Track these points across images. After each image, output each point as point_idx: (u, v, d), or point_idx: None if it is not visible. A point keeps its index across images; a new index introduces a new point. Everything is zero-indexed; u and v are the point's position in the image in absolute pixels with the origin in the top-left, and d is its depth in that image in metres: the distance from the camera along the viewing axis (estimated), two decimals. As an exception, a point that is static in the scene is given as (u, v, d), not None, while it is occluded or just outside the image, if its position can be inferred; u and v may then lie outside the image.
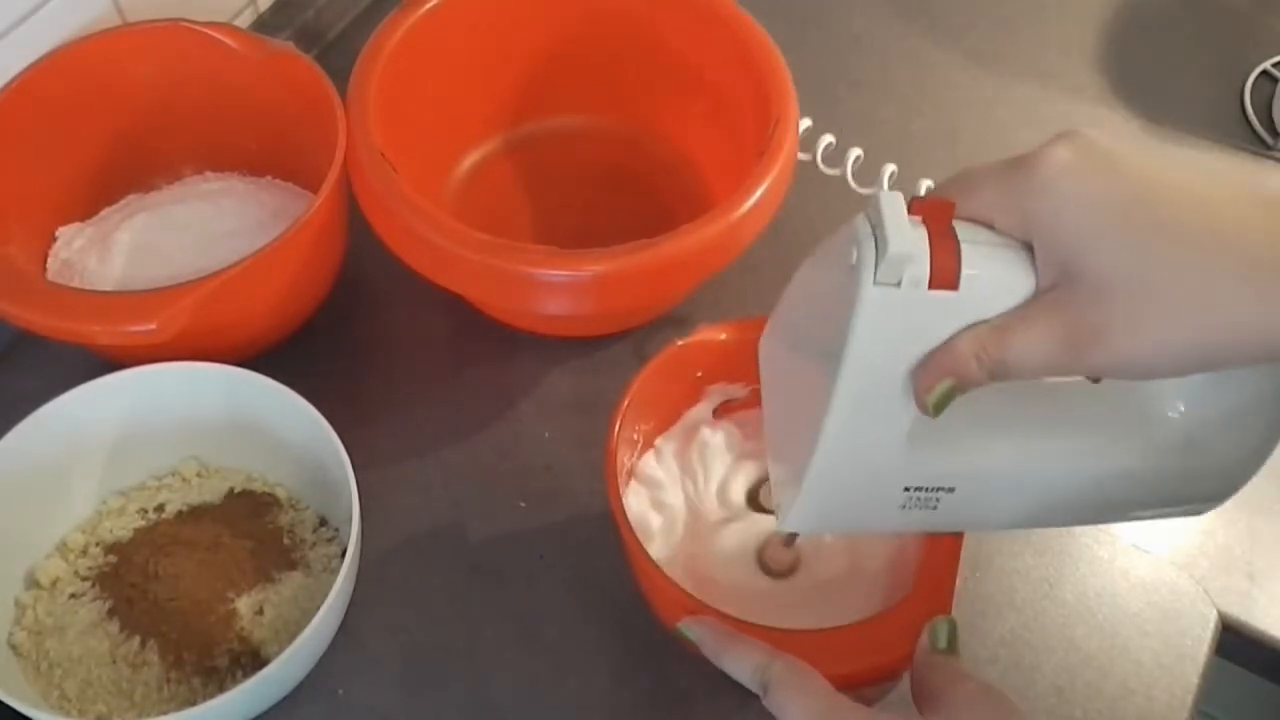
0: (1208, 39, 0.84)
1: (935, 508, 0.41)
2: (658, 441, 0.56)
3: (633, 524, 0.48)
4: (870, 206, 0.35)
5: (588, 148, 0.73)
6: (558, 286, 0.54)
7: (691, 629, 0.45)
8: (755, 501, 0.53)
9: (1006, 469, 0.41)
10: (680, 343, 0.53)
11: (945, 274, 0.35)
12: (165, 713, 0.45)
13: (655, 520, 0.54)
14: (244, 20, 0.75)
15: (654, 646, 0.54)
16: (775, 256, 0.66)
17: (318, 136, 0.59)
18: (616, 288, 0.55)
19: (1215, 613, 0.57)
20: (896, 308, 0.35)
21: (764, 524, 0.53)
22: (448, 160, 0.71)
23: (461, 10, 0.66)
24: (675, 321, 0.65)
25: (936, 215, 0.35)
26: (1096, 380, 0.41)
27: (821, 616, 0.48)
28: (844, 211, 0.71)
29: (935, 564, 0.47)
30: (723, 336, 0.54)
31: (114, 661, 0.51)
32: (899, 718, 0.40)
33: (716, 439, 0.56)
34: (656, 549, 0.52)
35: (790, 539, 0.51)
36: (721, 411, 0.57)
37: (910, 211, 0.35)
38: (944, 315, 0.36)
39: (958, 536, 0.47)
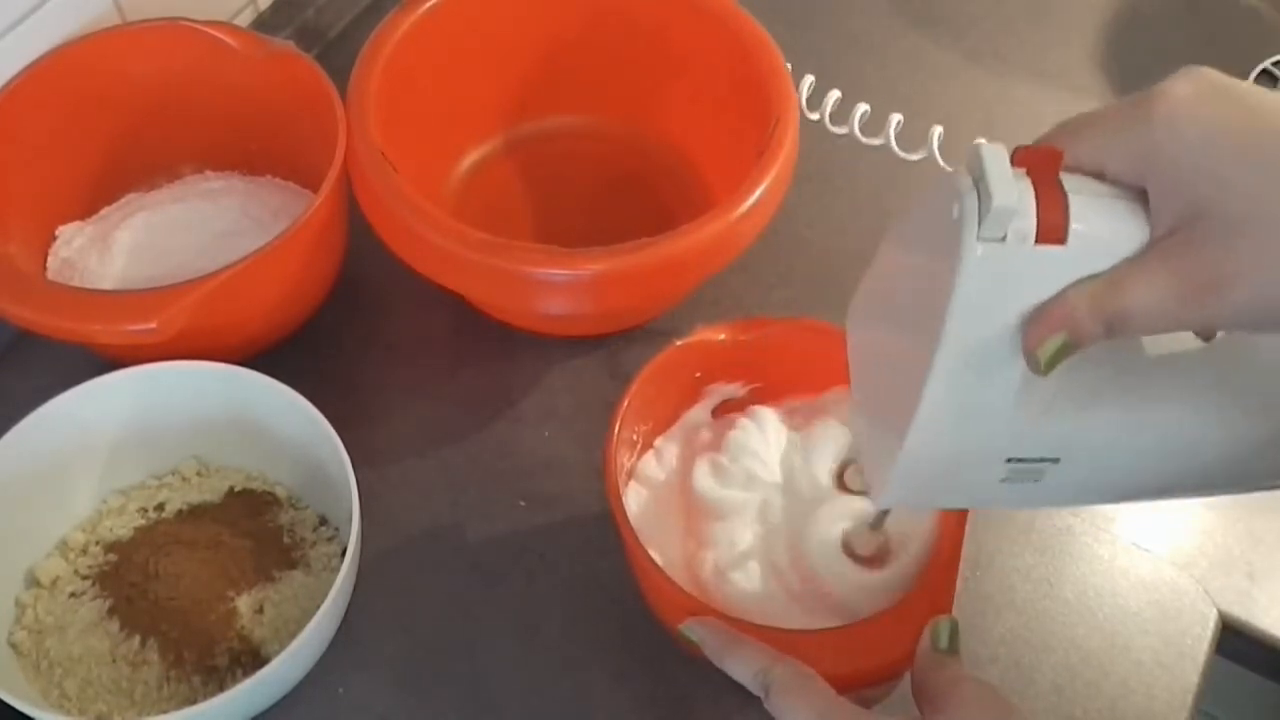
0: (1208, 38, 0.84)
1: (1039, 480, 0.39)
2: (657, 442, 0.56)
3: (633, 524, 0.48)
4: (971, 158, 0.34)
5: (588, 147, 0.73)
6: (558, 286, 0.54)
7: (694, 630, 0.44)
8: (842, 483, 0.52)
9: (1117, 438, 0.38)
10: (679, 343, 0.53)
11: (1052, 228, 0.33)
12: (165, 711, 0.45)
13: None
14: (244, 19, 0.75)
15: (654, 647, 0.54)
16: (775, 256, 0.67)
17: (318, 136, 0.59)
18: (616, 288, 0.55)
19: (1215, 612, 0.57)
20: (1002, 264, 0.33)
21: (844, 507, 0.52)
22: (448, 160, 0.71)
23: (461, 10, 0.66)
24: (675, 321, 0.65)
25: (1042, 165, 0.34)
26: (1209, 338, 0.38)
27: (819, 618, 0.48)
28: (842, 209, 0.71)
29: (936, 563, 0.47)
30: (721, 337, 0.54)
31: (114, 660, 0.51)
32: (899, 720, 0.40)
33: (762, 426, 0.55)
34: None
35: (879, 521, 0.49)
36: (720, 411, 0.57)
37: (1014, 162, 0.33)
38: (1052, 270, 0.34)
39: (958, 533, 0.47)
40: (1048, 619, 0.56)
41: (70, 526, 0.56)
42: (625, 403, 0.51)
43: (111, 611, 0.52)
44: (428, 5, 0.64)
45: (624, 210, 0.71)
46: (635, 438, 0.54)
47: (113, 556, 0.54)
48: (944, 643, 0.43)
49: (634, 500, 0.54)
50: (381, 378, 0.64)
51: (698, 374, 0.55)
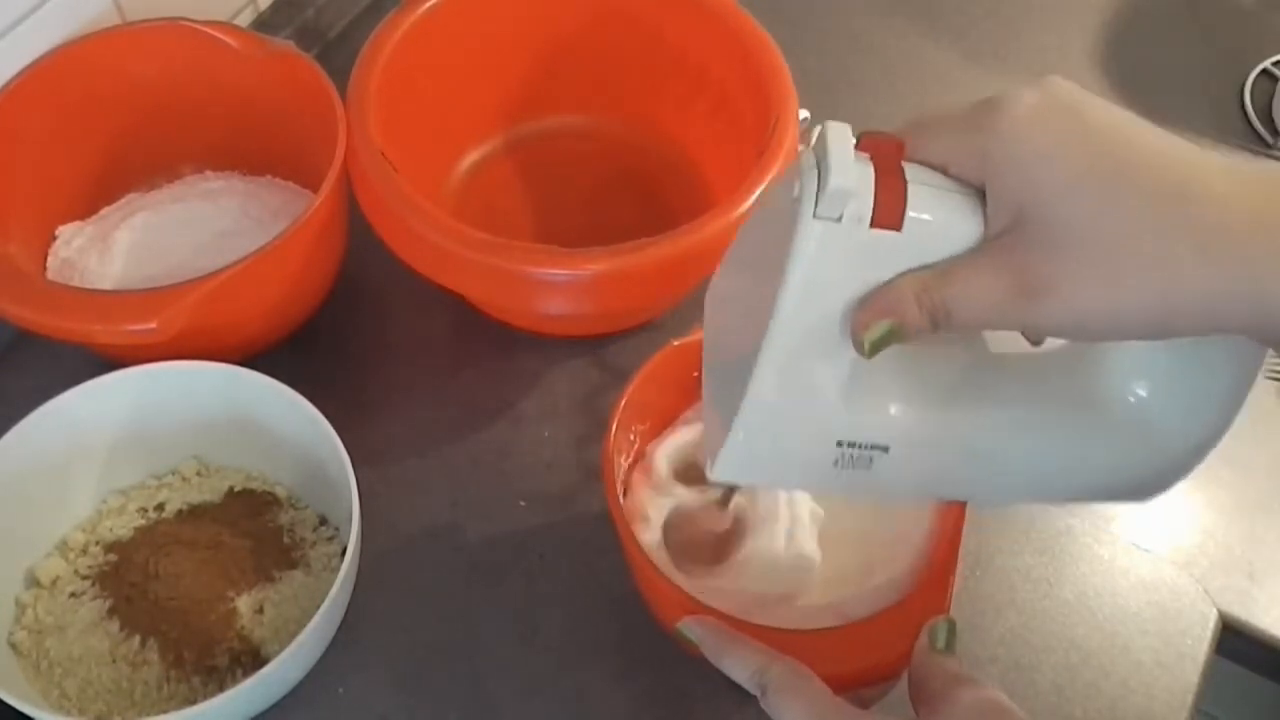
0: (1208, 38, 0.84)
1: (869, 468, 0.39)
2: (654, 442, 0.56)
3: (632, 523, 0.48)
4: (817, 138, 0.34)
5: (588, 147, 0.73)
6: (558, 286, 0.55)
7: (692, 629, 0.44)
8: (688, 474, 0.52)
9: (944, 434, 0.39)
10: (676, 343, 0.53)
11: (889, 213, 0.34)
12: (165, 712, 0.45)
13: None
14: (244, 19, 0.75)
15: (654, 646, 0.54)
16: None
17: (318, 136, 0.59)
18: (616, 287, 0.55)
19: (1215, 612, 0.57)
20: (837, 243, 0.34)
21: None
22: (448, 160, 0.71)
23: (461, 10, 0.66)
24: (675, 321, 0.65)
25: (885, 152, 0.34)
26: (1037, 342, 0.39)
27: (818, 618, 0.48)
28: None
29: (934, 564, 0.47)
30: None
31: (114, 660, 0.51)
32: (896, 720, 0.40)
33: None
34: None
35: (725, 499, 0.49)
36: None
37: (859, 147, 0.34)
38: (886, 256, 0.34)
39: (956, 533, 0.47)
40: (1048, 619, 0.56)
41: (70, 526, 0.56)
42: (622, 403, 0.51)
43: (111, 611, 0.52)
44: (428, 5, 0.64)
45: (624, 210, 0.71)
46: (633, 438, 0.54)
47: (113, 556, 0.54)
48: (941, 643, 0.43)
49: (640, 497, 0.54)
50: (381, 378, 0.64)
51: (696, 374, 0.55)
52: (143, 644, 0.51)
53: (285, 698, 0.52)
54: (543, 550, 0.58)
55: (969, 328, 0.35)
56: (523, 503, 0.59)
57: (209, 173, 0.69)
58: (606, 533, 0.50)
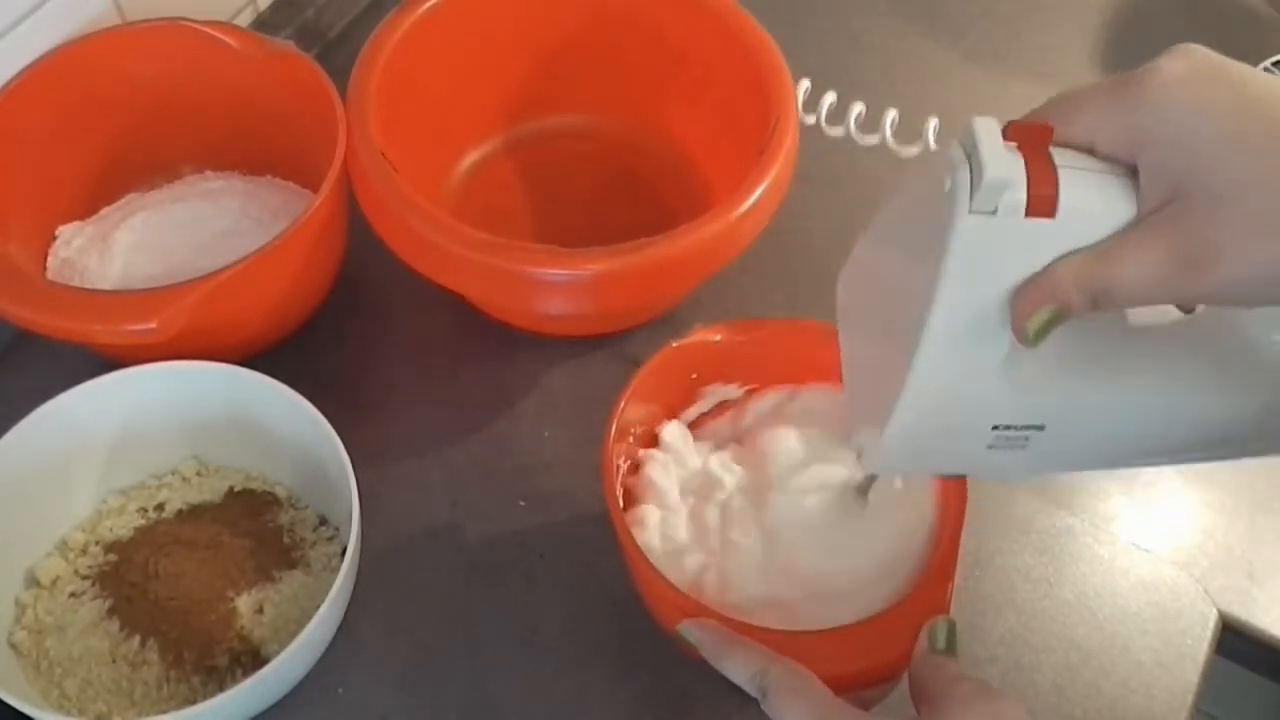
0: (1208, 38, 0.83)
1: (1024, 447, 0.40)
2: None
3: (631, 524, 0.48)
4: (964, 132, 0.34)
5: (588, 147, 0.73)
6: (558, 286, 0.55)
7: (691, 631, 0.44)
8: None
9: (1098, 405, 0.39)
10: (675, 344, 0.53)
11: (1043, 201, 0.34)
12: (165, 711, 0.45)
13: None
14: (244, 19, 0.75)
15: (654, 646, 0.54)
16: (775, 256, 0.66)
17: (318, 136, 0.59)
18: (616, 287, 0.55)
19: (1215, 612, 0.57)
20: (992, 236, 0.34)
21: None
22: (448, 160, 0.71)
23: (461, 10, 0.66)
24: (675, 321, 0.65)
25: (1032, 140, 0.34)
26: (1189, 311, 0.39)
27: (820, 618, 0.48)
28: (842, 209, 0.71)
29: (934, 564, 0.47)
30: (718, 338, 0.54)
31: (114, 660, 0.51)
32: (896, 720, 0.40)
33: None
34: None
35: (865, 487, 0.50)
36: (717, 412, 0.57)
37: (1005, 137, 0.34)
38: (1041, 244, 0.35)
39: (955, 533, 0.47)
40: (1048, 619, 0.56)
41: (70, 526, 0.56)
42: (621, 404, 0.51)
43: (111, 611, 0.52)
44: (428, 5, 0.64)
45: (624, 210, 0.71)
46: (632, 439, 0.54)
47: (113, 556, 0.54)
48: (941, 643, 0.43)
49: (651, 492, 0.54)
50: (381, 378, 0.64)
51: (694, 375, 0.55)
52: (143, 644, 0.51)
53: (285, 698, 0.52)
54: (543, 550, 0.58)
55: (1130, 305, 0.35)
56: (523, 503, 0.59)
57: (209, 173, 0.69)
58: (606, 533, 0.50)
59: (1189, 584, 0.57)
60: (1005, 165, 0.33)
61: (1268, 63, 0.80)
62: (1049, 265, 0.35)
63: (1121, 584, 0.58)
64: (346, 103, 0.59)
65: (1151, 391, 0.39)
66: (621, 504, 0.51)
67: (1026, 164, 0.34)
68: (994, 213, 0.34)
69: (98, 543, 0.55)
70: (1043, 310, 0.35)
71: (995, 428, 0.39)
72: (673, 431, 0.55)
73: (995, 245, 0.34)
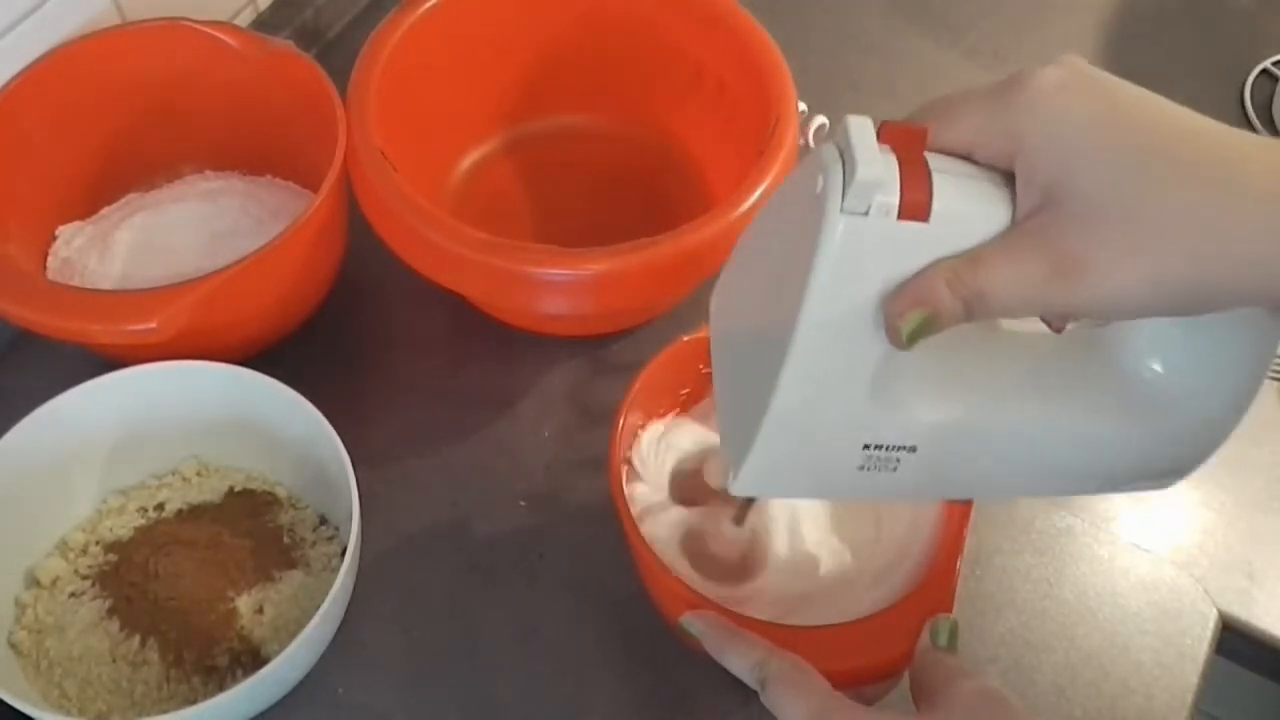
0: (1208, 38, 0.84)
1: (895, 469, 0.39)
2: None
3: (636, 517, 0.48)
4: (838, 132, 0.33)
5: (588, 147, 0.73)
6: (558, 286, 0.55)
7: (693, 624, 0.45)
8: (685, 487, 0.51)
9: (971, 428, 0.38)
10: (686, 339, 0.53)
11: (915, 204, 0.33)
12: (165, 711, 0.45)
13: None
14: (244, 19, 0.75)
15: (654, 645, 0.54)
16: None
17: (318, 136, 0.59)
18: (617, 287, 0.55)
19: (1215, 612, 0.57)
20: (864, 238, 0.33)
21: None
22: (448, 160, 0.71)
23: (461, 10, 0.66)
24: (675, 321, 0.65)
25: (908, 142, 0.34)
26: (1059, 329, 0.39)
27: (823, 615, 0.48)
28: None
29: (937, 562, 0.47)
30: None
31: (114, 660, 0.51)
32: (896, 716, 0.40)
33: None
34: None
35: (742, 514, 0.49)
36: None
37: (880, 138, 0.33)
38: (914, 248, 0.34)
39: (959, 532, 0.47)
40: (1048, 619, 0.56)
41: (70, 526, 0.56)
42: (630, 397, 0.51)
43: (111, 611, 0.52)
44: (428, 5, 0.64)
45: (624, 210, 0.71)
46: (639, 433, 0.54)
47: (113, 556, 0.54)
48: (943, 640, 0.43)
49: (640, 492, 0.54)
50: (381, 377, 0.64)
51: (704, 369, 0.55)
52: (143, 644, 0.51)
53: (285, 698, 0.52)
54: (543, 550, 0.58)
55: (1003, 314, 0.34)
56: (523, 503, 0.59)
57: (209, 173, 0.69)
58: (607, 532, 0.50)
59: (1189, 584, 0.57)
60: (878, 165, 0.32)
61: (1268, 63, 0.80)
62: (923, 269, 0.34)
63: (1121, 584, 0.58)
64: (346, 103, 0.59)
65: (1028, 417, 0.39)
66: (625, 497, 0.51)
67: (900, 166, 0.33)
68: (866, 214, 0.33)
69: (98, 543, 0.55)
70: (915, 314, 0.34)
71: (866, 446, 0.38)
72: (677, 422, 0.55)
73: (867, 248, 0.33)
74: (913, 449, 0.38)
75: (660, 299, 0.64)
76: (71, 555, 0.55)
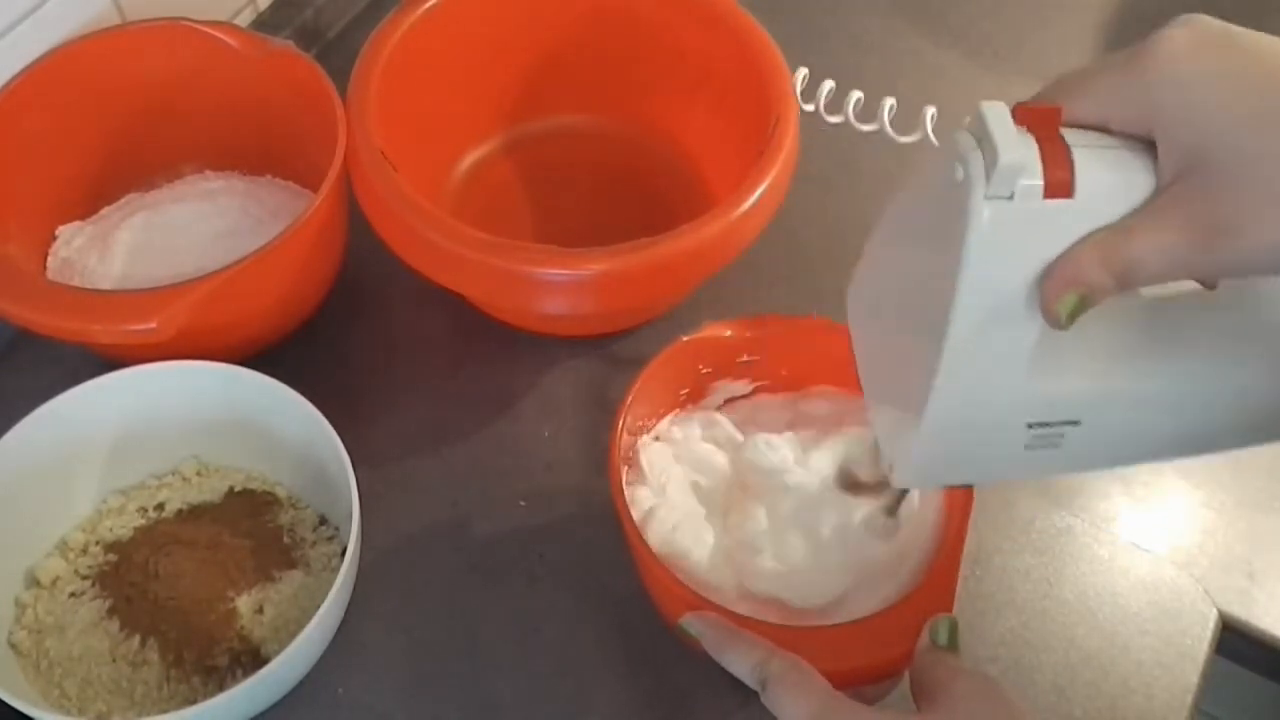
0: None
1: (1059, 445, 0.38)
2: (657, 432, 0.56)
3: (636, 518, 0.48)
4: (973, 118, 0.34)
5: (588, 147, 0.73)
6: (558, 286, 0.54)
7: (693, 624, 0.45)
8: (849, 481, 0.51)
9: (1132, 394, 0.38)
10: (685, 339, 0.53)
11: (1060, 182, 0.33)
12: (165, 711, 0.45)
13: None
14: (244, 19, 0.75)
15: (654, 646, 0.54)
16: (775, 256, 0.67)
17: (318, 136, 0.59)
18: (617, 287, 0.55)
19: (1215, 612, 0.57)
20: (1011, 222, 0.33)
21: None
22: (448, 160, 0.71)
23: (461, 10, 0.66)
24: (676, 321, 0.65)
25: (1043, 121, 0.34)
26: (1212, 286, 0.39)
27: (824, 614, 0.48)
28: (842, 208, 0.71)
29: (937, 562, 0.47)
30: (728, 333, 0.54)
31: (114, 660, 0.51)
32: (896, 715, 0.40)
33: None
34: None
35: (894, 506, 0.48)
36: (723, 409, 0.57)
37: (1015, 121, 0.33)
38: (1063, 225, 0.34)
39: (959, 532, 0.47)
40: (1048, 619, 0.56)
41: (70, 526, 0.56)
42: (630, 397, 0.51)
43: (111, 611, 0.52)
44: (428, 5, 0.64)
45: (624, 210, 0.71)
46: (638, 433, 0.54)
47: (113, 556, 0.54)
48: (943, 639, 0.43)
49: (640, 492, 0.54)
50: (381, 378, 0.64)
51: (704, 369, 0.55)
52: (143, 644, 0.51)
53: (285, 698, 0.52)
54: (543, 550, 0.58)
55: (1155, 281, 0.34)
56: (523, 503, 0.59)
57: (209, 173, 0.69)
58: (607, 532, 0.50)
59: (1189, 584, 0.57)
60: (1019, 148, 0.33)
61: (1267, 63, 0.80)
62: (1071, 247, 0.34)
63: (1121, 584, 0.58)
64: (346, 103, 0.59)
65: (1185, 375, 0.38)
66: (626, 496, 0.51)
67: (1040, 146, 0.33)
68: (1011, 197, 0.33)
69: (98, 543, 0.55)
70: (1070, 293, 0.34)
71: (1031, 425, 0.38)
72: (677, 423, 0.55)
73: (1015, 231, 0.34)
74: (1076, 422, 0.38)
75: (660, 299, 0.64)
76: (71, 555, 0.55)
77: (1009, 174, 0.33)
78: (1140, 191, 0.34)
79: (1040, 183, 0.33)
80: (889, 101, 0.68)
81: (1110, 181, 0.34)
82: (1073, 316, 0.34)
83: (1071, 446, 0.39)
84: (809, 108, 0.73)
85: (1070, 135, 0.34)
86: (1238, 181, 0.32)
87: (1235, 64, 0.32)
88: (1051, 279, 0.34)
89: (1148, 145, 0.34)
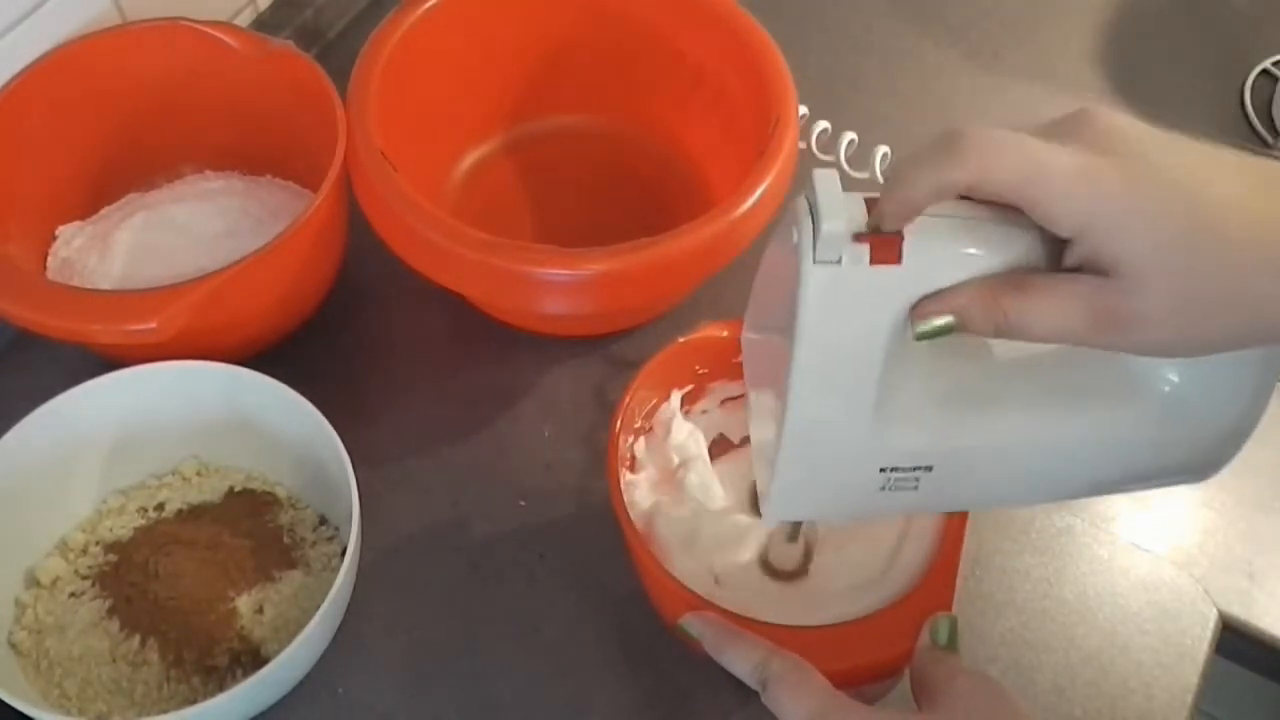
0: (1208, 38, 0.84)
1: (916, 488, 0.40)
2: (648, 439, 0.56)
3: (634, 518, 0.48)
4: (807, 185, 0.35)
5: (588, 148, 0.73)
6: (558, 286, 0.55)
7: (693, 625, 0.45)
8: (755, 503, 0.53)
9: (982, 445, 0.39)
10: (682, 340, 0.53)
11: (887, 249, 0.34)
12: (165, 711, 0.45)
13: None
14: (244, 19, 0.75)
15: (654, 646, 0.54)
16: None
17: (318, 136, 0.59)
18: (617, 287, 0.55)
19: (1215, 612, 0.57)
20: (841, 285, 0.35)
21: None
22: (448, 160, 0.71)
23: (461, 10, 0.66)
24: (676, 321, 0.65)
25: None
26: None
27: (824, 615, 0.48)
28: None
29: (937, 562, 0.47)
30: (725, 334, 0.54)
31: (114, 660, 0.51)
32: (896, 715, 0.40)
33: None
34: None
35: (794, 533, 0.50)
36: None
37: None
38: (891, 289, 0.35)
39: (959, 531, 0.47)
40: (1048, 619, 0.56)
41: (70, 526, 0.56)
42: (628, 398, 0.51)
43: (111, 611, 0.52)
44: (428, 5, 0.64)
45: (624, 210, 0.71)
46: (636, 433, 0.54)
47: (113, 556, 0.54)
48: (943, 639, 0.43)
49: (638, 494, 0.54)
50: (381, 378, 0.64)
51: (700, 370, 0.55)
52: (143, 644, 0.51)
53: (285, 697, 0.52)
54: (543, 550, 0.58)
55: (1028, 340, 0.35)
56: (523, 503, 0.59)
57: (209, 173, 0.69)
58: (607, 532, 0.50)
59: (1189, 584, 0.57)
60: (843, 214, 0.34)
61: (1268, 63, 0.80)
62: (963, 282, 0.35)
63: (1121, 584, 0.58)
64: (346, 103, 0.59)
65: (1037, 427, 0.39)
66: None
67: (869, 211, 0.34)
68: (838, 263, 0.34)
69: (98, 543, 0.55)
70: (942, 317, 0.35)
71: (883, 470, 0.39)
72: (676, 421, 0.55)
73: (845, 293, 0.35)
74: (929, 468, 0.39)
75: (660, 299, 0.64)
76: (71, 555, 0.55)
77: (831, 241, 0.34)
78: (974, 265, 0.35)
79: (867, 249, 0.34)
80: (882, 150, 0.69)
81: (943, 252, 0.35)
82: (926, 336, 0.35)
83: (928, 489, 0.40)
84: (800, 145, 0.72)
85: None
86: (1143, 291, 0.33)
87: (1156, 188, 0.33)
88: (931, 300, 0.35)
89: (1006, 214, 0.35)
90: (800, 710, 0.39)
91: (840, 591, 0.50)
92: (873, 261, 0.34)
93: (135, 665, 0.51)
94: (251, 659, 0.51)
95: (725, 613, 0.45)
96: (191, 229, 0.63)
